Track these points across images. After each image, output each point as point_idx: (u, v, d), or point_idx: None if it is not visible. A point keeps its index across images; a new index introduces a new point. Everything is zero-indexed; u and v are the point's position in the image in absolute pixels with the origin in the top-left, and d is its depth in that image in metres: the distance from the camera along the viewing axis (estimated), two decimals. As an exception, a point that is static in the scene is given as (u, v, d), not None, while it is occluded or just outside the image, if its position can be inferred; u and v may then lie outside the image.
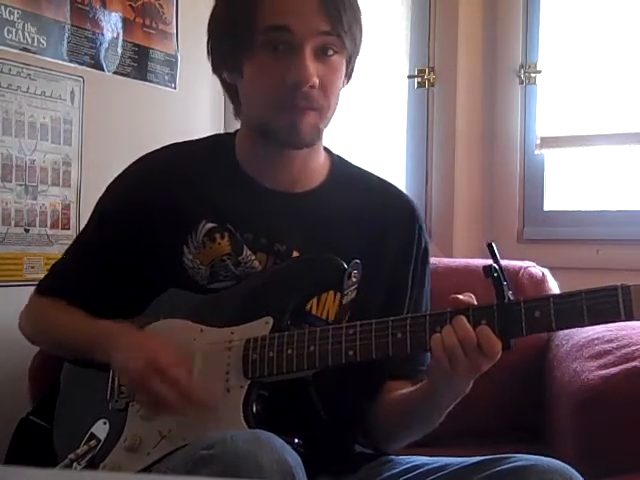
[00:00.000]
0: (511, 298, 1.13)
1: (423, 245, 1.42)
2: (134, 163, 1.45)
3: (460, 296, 1.16)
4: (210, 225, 1.34)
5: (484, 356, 1.13)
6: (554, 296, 1.12)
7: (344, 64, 1.32)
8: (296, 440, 1.16)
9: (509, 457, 1.16)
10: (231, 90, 1.37)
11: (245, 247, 1.33)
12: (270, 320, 1.25)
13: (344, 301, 1.32)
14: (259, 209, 1.36)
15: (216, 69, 1.37)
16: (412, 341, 1.16)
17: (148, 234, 1.36)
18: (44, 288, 1.49)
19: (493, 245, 1.15)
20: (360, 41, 1.35)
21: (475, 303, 1.16)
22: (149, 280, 1.36)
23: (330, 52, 1.28)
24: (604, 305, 1.08)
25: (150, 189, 1.38)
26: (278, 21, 1.25)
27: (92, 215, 1.47)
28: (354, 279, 1.29)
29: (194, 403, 1.20)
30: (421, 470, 1.25)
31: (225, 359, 1.24)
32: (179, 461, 1.07)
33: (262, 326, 1.25)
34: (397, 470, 1.29)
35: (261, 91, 1.29)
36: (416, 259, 1.40)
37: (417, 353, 1.20)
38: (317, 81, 1.25)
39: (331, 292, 1.33)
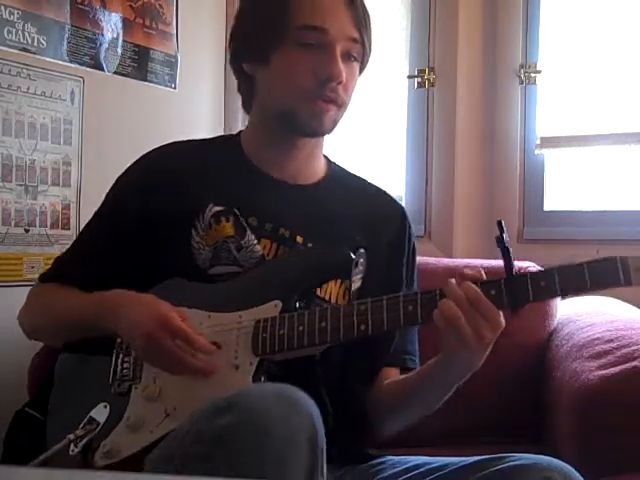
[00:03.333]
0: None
1: (412, 242, 1.52)
2: (144, 155, 1.49)
3: (468, 271, 1.21)
4: (217, 208, 1.39)
5: (484, 320, 1.17)
6: (558, 267, 1.17)
7: (358, 70, 1.42)
8: None
9: (508, 456, 1.17)
10: (247, 80, 1.44)
11: (249, 231, 1.38)
12: (279, 303, 1.27)
13: (352, 289, 1.36)
14: (265, 196, 1.41)
15: (237, 59, 1.44)
16: (423, 312, 1.20)
17: (158, 219, 1.39)
18: (46, 276, 1.52)
19: (502, 222, 1.22)
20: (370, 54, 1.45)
21: (484, 277, 1.21)
22: (152, 265, 1.38)
23: (352, 58, 1.38)
24: (605, 272, 1.14)
25: (162, 175, 1.42)
26: (316, 22, 1.35)
27: (102, 204, 1.50)
28: (361, 267, 1.34)
29: (208, 356, 1.23)
30: (421, 470, 1.26)
31: (234, 339, 1.26)
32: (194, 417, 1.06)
33: (271, 309, 1.27)
34: (397, 469, 1.30)
35: (291, 80, 1.36)
36: (408, 254, 1.49)
37: (427, 322, 1.23)
38: (345, 79, 1.36)
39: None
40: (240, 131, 1.52)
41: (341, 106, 1.39)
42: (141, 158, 1.50)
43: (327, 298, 1.38)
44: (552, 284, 1.16)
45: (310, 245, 1.40)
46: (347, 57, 1.37)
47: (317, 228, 1.41)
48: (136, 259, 1.40)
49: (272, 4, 1.39)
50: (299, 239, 1.39)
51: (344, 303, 1.37)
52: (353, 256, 1.30)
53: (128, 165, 1.50)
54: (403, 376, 1.41)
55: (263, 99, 1.43)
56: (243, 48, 1.43)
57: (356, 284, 1.37)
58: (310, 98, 1.36)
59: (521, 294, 1.17)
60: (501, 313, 1.19)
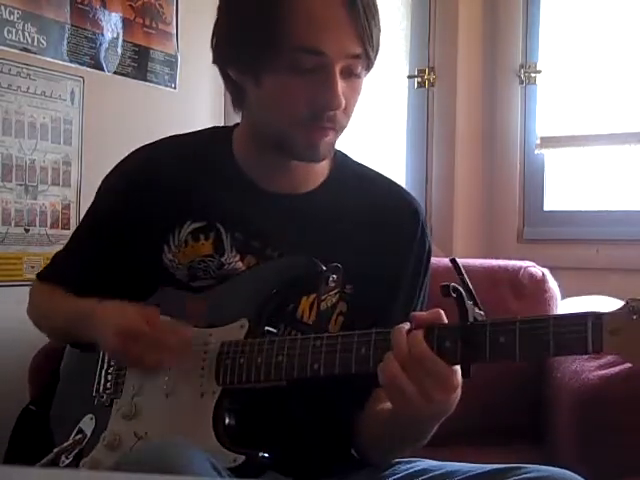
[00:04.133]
0: (477, 319, 1.04)
1: (426, 248, 1.38)
2: (130, 155, 1.43)
3: (424, 315, 1.09)
4: (196, 225, 1.32)
5: (432, 380, 1.03)
6: (521, 321, 1.01)
7: (362, 84, 1.29)
8: (260, 454, 1.14)
9: (520, 467, 1.12)
10: (235, 87, 1.31)
11: (229, 248, 1.31)
12: (246, 323, 1.23)
13: (322, 307, 1.28)
14: (255, 211, 1.33)
15: (223, 63, 1.31)
16: (375, 357, 1.08)
17: (137, 229, 1.35)
18: (43, 275, 1.52)
19: (457, 260, 1.07)
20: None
21: (443, 319, 1.07)
22: (136, 274, 1.36)
23: (354, 75, 1.25)
24: (571, 335, 0.97)
25: (143, 183, 1.36)
26: (313, 44, 1.19)
27: (89, 207, 1.48)
28: (332, 284, 1.26)
29: (173, 351, 1.22)
30: (425, 477, 1.22)
31: (201, 362, 1.23)
32: None
33: (237, 330, 1.23)
34: (399, 476, 1.25)
35: (285, 109, 1.25)
36: (415, 263, 1.36)
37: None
38: (344, 104, 1.23)
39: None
40: (236, 124, 1.40)
41: (341, 129, 1.28)
42: (125, 160, 1.43)
43: (310, 322, 1.29)
44: (512, 343, 1.00)
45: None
46: (348, 74, 1.23)
47: (311, 243, 1.30)
48: (119, 267, 1.37)
49: (264, 18, 1.21)
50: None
51: (315, 321, 1.30)
52: (324, 269, 1.23)
53: (120, 160, 1.45)
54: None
55: (254, 116, 1.32)
56: (231, 55, 1.28)
57: (329, 301, 1.29)
58: (305, 128, 1.24)
59: (476, 351, 1.02)
60: (457, 370, 1.05)
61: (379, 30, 1.25)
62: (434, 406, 1.06)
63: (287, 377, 1.17)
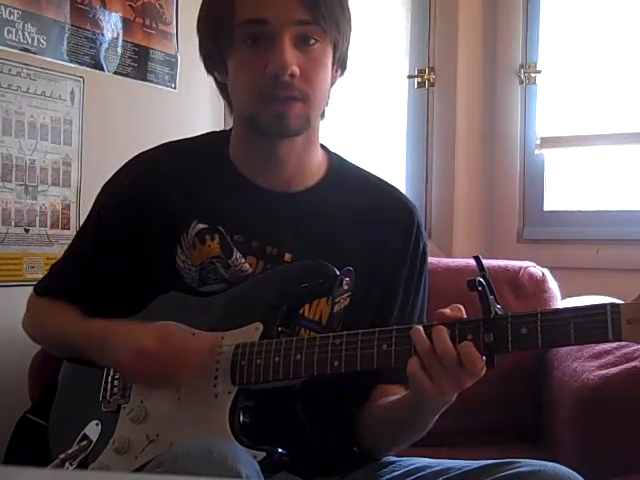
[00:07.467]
0: (498, 312, 1.10)
1: (421, 248, 1.39)
2: (128, 162, 1.45)
3: (447, 310, 1.13)
4: (201, 226, 1.33)
5: (466, 372, 1.09)
6: (542, 312, 1.08)
7: (329, 53, 1.31)
8: (279, 450, 1.16)
9: (513, 462, 1.14)
10: (223, 89, 1.37)
11: (235, 250, 1.32)
12: (260, 326, 1.24)
13: (335, 309, 1.30)
14: (252, 210, 1.34)
15: (208, 70, 1.37)
16: (397, 353, 1.14)
17: (143, 234, 1.36)
18: (41, 288, 1.49)
19: (480, 257, 1.13)
20: (348, 28, 1.33)
21: (464, 316, 1.12)
22: (143, 280, 1.36)
23: (312, 41, 1.27)
24: (592, 325, 1.04)
25: (145, 189, 1.37)
26: (254, 15, 1.25)
27: (88, 215, 1.47)
28: (346, 287, 1.28)
29: (185, 377, 1.22)
30: (423, 473, 1.24)
31: (214, 364, 1.24)
32: None
33: (252, 332, 1.24)
34: (398, 472, 1.28)
35: (244, 84, 1.29)
36: (411, 262, 1.38)
37: (402, 364, 1.16)
38: (297, 70, 1.24)
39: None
40: (232, 128, 1.42)
41: (307, 100, 1.27)
42: (124, 167, 1.44)
43: (317, 319, 1.31)
44: (534, 333, 1.06)
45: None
46: (303, 42, 1.26)
47: (308, 242, 1.32)
48: (125, 274, 1.37)
49: (217, 5, 1.31)
50: (288, 256, 1.32)
51: (328, 322, 1.32)
52: (337, 273, 1.25)
53: (119, 167, 1.46)
54: (393, 397, 1.30)
55: (234, 106, 1.36)
56: (207, 58, 1.36)
57: (342, 304, 1.30)
58: (266, 101, 1.26)
59: (499, 342, 1.08)
60: (483, 358, 1.10)
61: None
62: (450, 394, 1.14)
63: (306, 375, 1.19)
